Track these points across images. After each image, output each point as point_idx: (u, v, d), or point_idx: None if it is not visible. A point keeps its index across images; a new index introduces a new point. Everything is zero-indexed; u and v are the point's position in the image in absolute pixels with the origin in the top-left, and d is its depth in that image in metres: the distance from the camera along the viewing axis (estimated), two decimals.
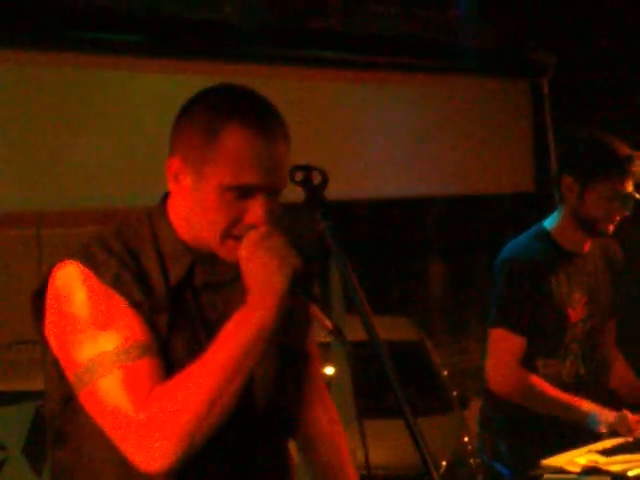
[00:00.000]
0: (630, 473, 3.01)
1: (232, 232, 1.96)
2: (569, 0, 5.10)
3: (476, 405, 6.11)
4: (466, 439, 6.93)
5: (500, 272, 3.67)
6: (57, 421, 2.08)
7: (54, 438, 2.10)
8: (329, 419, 2.37)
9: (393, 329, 7.48)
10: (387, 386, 1.76)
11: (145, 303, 1.96)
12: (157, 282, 2.00)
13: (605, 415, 3.49)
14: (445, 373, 7.82)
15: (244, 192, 1.95)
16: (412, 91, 4.97)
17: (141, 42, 3.94)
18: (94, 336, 1.92)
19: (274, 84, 4.41)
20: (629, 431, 3.43)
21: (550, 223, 3.73)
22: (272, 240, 1.94)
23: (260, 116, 1.98)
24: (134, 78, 3.99)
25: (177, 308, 2.01)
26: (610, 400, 3.80)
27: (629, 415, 3.47)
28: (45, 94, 3.82)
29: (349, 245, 1.97)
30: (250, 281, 1.92)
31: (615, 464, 3.07)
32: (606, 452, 3.20)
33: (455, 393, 7.39)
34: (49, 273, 2.01)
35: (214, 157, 1.95)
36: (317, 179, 1.98)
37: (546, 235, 3.71)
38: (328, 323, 1.95)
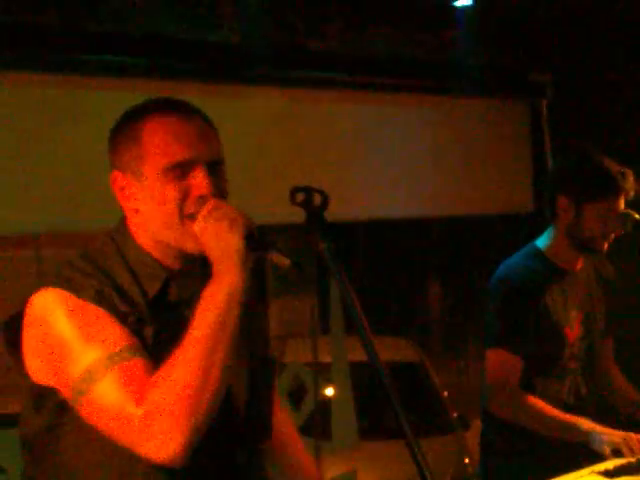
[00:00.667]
0: None
1: (185, 211, 2.05)
2: (567, 21, 5.11)
3: (476, 426, 6.10)
4: (467, 460, 6.91)
5: (495, 293, 3.67)
6: (35, 451, 2.10)
7: (33, 475, 2.12)
8: (286, 418, 2.53)
9: (393, 350, 7.47)
10: (388, 407, 1.76)
11: (130, 315, 2.02)
12: (136, 297, 2.07)
13: (607, 434, 3.47)
14: (445, 394, 7.81)
15: (182, 170, 2.06)
16: (410, 113, 4.97)
17: (140, 64, 3.95)
18: (84, 349, 1.96)
19: (273, 105, 4.42)
20: (632, 452, 3.42)
21: (543, 242, 3.74)
22: (220, 209, 2.02)
23: (169, 103, 2.13)
24: (134, 100, 3.99)
25: (159, 321, 2.06)
26: (614, 419, 3.79)
27: (633, 436, 3.46)
28: (41, 116, 3.83)
29: (348, 266, 1.99)
30: (209, 251, 2.01)
31: None
32: (609, 473, 3.19)
33: (455, 414, 7.37)
34: (23, 304, 2.04)
35: (144, 152, 2.07)
36: (317, 200, 2.00)
37: (540, 254, 3.72)
38: (285, 261, 2.00)
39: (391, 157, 4.70)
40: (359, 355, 2.01)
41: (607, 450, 3.42)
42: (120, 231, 2.17)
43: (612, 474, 3.19)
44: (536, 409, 3.57)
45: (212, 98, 4.20)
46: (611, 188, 3.58)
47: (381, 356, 1.85)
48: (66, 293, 2.00)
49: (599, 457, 3.40)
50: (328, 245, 1.94)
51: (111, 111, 3.91)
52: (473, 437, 6.50)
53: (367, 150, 4.67)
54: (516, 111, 5.33)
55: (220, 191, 2.09)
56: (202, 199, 2.05)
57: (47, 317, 2.00)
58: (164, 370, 1.94)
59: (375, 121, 4.53)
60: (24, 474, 2.17)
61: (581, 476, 3.18)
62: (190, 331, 1.96)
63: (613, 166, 3.62)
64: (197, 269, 2.15)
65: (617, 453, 3.42)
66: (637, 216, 3.48)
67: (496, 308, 3.66)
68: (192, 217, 2.05)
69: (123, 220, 2.18)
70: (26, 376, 2.07)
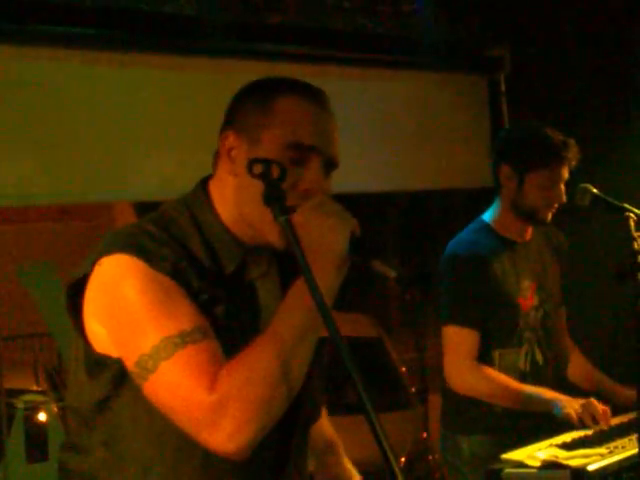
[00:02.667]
0: (590, 467, 3.01)
1: (287, 200, 1.93)
2: None
3: (435, 401, 6.12)
4: (425, 435, 6.96)
5: (446, 268, 3.70)
6: (84, 420, 2.02)
7: (80, 443, 2.05)
8: (325, 416, 2.44)
9: (352, 326, 7.48)
10: (348, 382, 1.74)
11: (203, 293, 1.94)
12: (210, 273, 1.98)
13: (569, 402, 3.49)
14: (404, 370, 7.84)
15: (301, 154, 1.99)
16: (367, 86, 4.95)
17: (94, 35, 3.89)
18: (155, 324, 1.88)
19: (230, 78, 4.37)
20: (594, 420, 3.44)
21: (490, 215, 3.77)
22: (328, 205, 1.95)
23: (312, 87, 2.07)
24: (86, 71, 3.94)
25: (230, 299, 1.99)
26: (570, 389, 3.83)
27: (594, 402, 3.47)
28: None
29: None
30: (308, 244, 1.88)
31: (575, 458, 3.07)
32: (566, 446, 3.21)
33: (414, 389, 7.42)
34: (91, 264, 1.95)
35: (271, 121, 2.00)
36: (276, 173, 1.96)
37: (487, 227, 3.74)
38: (391, 272, 1.91)
39: (349, 131, 4.65)
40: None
41: (572, 415, 3.43)
42: (198, 199, 2.08)
43: (570, 446, 3.21)
44: (496, 382, 3.58)
45: (168, 70, 4.16)
46: (552, 157, 3.60)
47: (340, 332, 1.84)
48: (140, 262, 1.90)
49: (557, 431, 3.42)
50: (286, 218, 1.90)
51: (67, 82, 3.88)
52: (432, 412, 6.54)
53: None
54: (474, 85, 5.33)
55: (327, 194, 2.02)
56: (308, 193, 1.98)
57: (118, 284, 1.91)
58: (242, 358, 1.86)
59: (333, 95, 4.50)
60: (67, 441, 2.08)
61: (539, 449, 3.20)
62: (274, 324, 1.89)
63: (555, 135, 3.63)
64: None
65: (581, 423, 3.44)
66: (595, 190, 3.48)
67: (447, 284, 3.68)
68: (290, 209, 1.92)
69: (202, 187, 2.09)
70: (85, 342, 1.98)
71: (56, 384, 7.01)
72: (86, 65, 3.94)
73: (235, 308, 2.00)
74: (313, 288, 1.80)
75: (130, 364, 1.91)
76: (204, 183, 2.11)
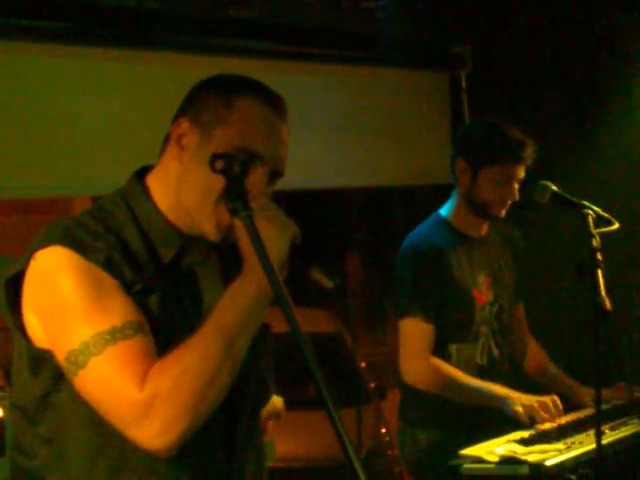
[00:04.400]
0: (548, 463, 3.04)
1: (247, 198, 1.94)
2: None
3: (393, 396, 6.13)
4: (383, 430, 6.98)
5: (402, 262, 3.72)
6: (29, 418, 2.01)
7: (24, 442, 2.03)
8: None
9: (311, 321, 7.49)
10: (308, 378, 1.74)
11: (136, 283, 1.94)
12: (145, 262, 1.98)
13: (520, 399, 3.52)
14: (363, 365, 7.85)
15: (248, 159, 1.99)
16: (330, 82, 4.95)
17: (57, 29, 3.85)
18: (87, 318, 1.88)
19: (192, 73, 4.35)
20: (546, 416, 3.46)
21: (446, 210, 3.80)
22: (271, 210, 1.97)
23: (272, 93, 2.08)
24: (47, 64, 3.91)
25: (166, 288, 1.99)
26: (526, 383, 3.85)
27: (547, 399, 3.49)
28: None
29: None
30: (247, 247, 1.90)
31: (533, 454, 3.10)
32: (524, 442, 3.24)
33: (373, 385, 7.43)
34: (27, 259, 1.95)
35: (227, 118, 2.01)
36: (237, 168, 1.96)
37: (443, 221, 3.77)
38: (328, 283, 1.94)
39: (310, 127, 4.67)
40: (280, 326, 2.00)
41: (521, 412, 3.45)
42: (134, 190, 2.08)
43: (528, 442, 3.24)
44: (448, 376, 3.60)
45: (132, 64, 4.13)
46: (507, 155, 3.63)
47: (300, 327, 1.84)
48: (75, 254, 1.90)
49: (516, 427, 3.44)
50: (247, 214, 1.90)
51: (27, 76, 3.84)
52: (390, 407, 6.55)
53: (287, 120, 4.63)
54: (436, 82, 5.34)
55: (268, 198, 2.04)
56: (250, 196, 1.96)
57: (52, 277, 1.91)
58: (175, 356, 1.87)
59: (295, 91, 4.50)
60: (15, 441, 2.07)
61: (498, 444, 3.22)
62: (209, 322, 1.90)
63: (513, 133, 3.66)
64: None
65: (533, 421, 3.47)
66: (554, 187, 3.51)
67: (402, 278, 3.70)
68: (230, 209, 1.93)
69: (137, 178, 2.10)
70: (24, 337, 1.97)
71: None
72: (46, 58, 3.90)
73: (173, 296, 2.00)
74: (274, 283, 1.80)
75: (60, 358, 1.91)
76: (140, 174, 2.12)
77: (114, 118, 4.08)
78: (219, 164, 1.94)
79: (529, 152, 3.64)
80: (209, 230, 2.02)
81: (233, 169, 1.95)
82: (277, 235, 1.93)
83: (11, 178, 3.86)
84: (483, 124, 3.79)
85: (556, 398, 3.52)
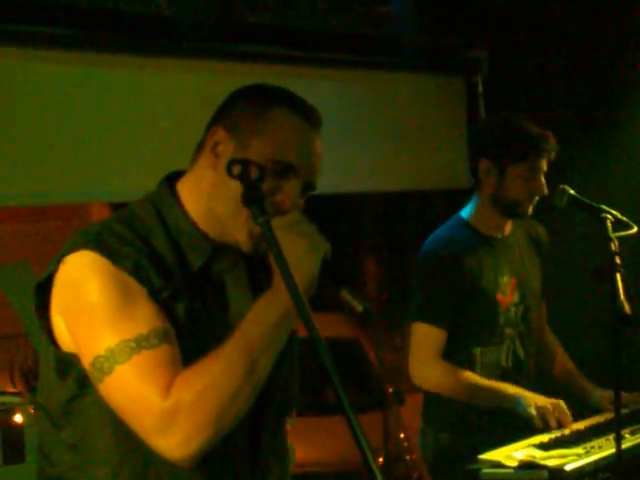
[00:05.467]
0: (567, 467, 3.02)
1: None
2: None
3: (412, 401, 6.11)
4: (402, 435, 6.95)
5: (420, 266, 3.70)
6: (55, 421, 2.01)
7: (49, 447, 2.04)
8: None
9: (329, 326, 7.47)
10: (326, 383, 1.74)
11: (164, 290, 1.94)
12: (174, 269, 1.98)
13: (534, 399, 3.49)
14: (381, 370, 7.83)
15: (282, 171, 2.00)
16: (346, 88, 4.95)
17: (69, 35, 3.86)
18: (114, 325, 1.89)
19: (208, 79, 4.36)
20: (558, 421, 3.43)
21: (467, 212, 3.76)
22: (303, 225, 1.97)
23: (307, 105, 2.08)
24: (63, 72, 3.92)
25: (194, 295, 1.99)
26: (554, 385, 3.83)
27: (562, 404, 3.47)
28: None
29: None
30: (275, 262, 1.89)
31: (552, 458, 3.08)
32: (543, 446, 3.21)
33: (391, 390, 7.41)
34: (56, 263, 1.96)
35: (263, 130, 2.01)
36: (254, 173, 1.96)
37: (464, 224, 3.73)
38: (358, 306, 1.92)
39: (325, 132, 4.67)
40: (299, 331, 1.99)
41: (534, 413, 3.43)
42: (164, 196, 2.08)
43: (547, 446, 3.22)
44: (458, 377, 3.58)
45: (145, 72, 4.14)
46: (532, 149, 3.60)
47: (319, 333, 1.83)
48: (103, 259, 1.91)
49: (536, 431, 3.42)
50: (265, 219, 1.90)
51: (39, 83, 3.85)
52: (409, 412, 6.54)
53: None
54: (452, 87, 5.34)
55: (300, 212, 2.03)
56: (282, 205, 1.99)
57: (80, 281, 1.92)
58: (200, 368, 1.87)
59: (309, 96, 4.50)
60: (40, 445, 2.08)
61: (517, 449, 3.21)
62: (236, 336, 1.90)
63: (533, 127, 3.64)
64: None
65: (546, 423, 3.44)
66: (572, 191, 3.49)
67: (417, 281, 3.69)
68: (251, 215, 1.94)
69: (167, 183, 2.10)
70: (52, 341, 1.98)
71: (32, 385, 6.98)
72: (62, 65, 3.91)
73: (200, 304, 2.00)
74: (292, 287, 1.80)
75: (86, 363, 1.92)
76: (169, 180, 2.11)
77: (130, 125, 4.09)
78: (236, 169, 1.94)
79: (552, 144, 3.62)
80: (242, 239, 2.02)
81: (250, 174, 1.95)
82: (307, 253, 1.92)
83: (26, 185, 3.87)
84: (500, 121, 3.75)
85: (563, 403, 3.49)
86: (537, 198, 3.65)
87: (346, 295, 1.93)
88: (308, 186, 2.06)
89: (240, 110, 2.06)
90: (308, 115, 2.07)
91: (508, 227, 3.78)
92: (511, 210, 3.67)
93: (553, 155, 3.64)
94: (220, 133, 2.04)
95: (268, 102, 2.05)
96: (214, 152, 2.04)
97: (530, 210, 3.67)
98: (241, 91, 2.12)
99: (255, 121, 2.03)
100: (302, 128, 2.05)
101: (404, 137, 5.14)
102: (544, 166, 3.63)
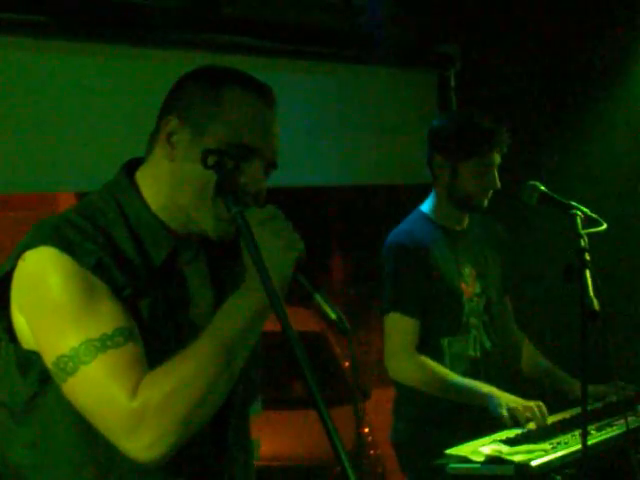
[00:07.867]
0: (533, 463, 3.04)
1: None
2: None
3: (377, 395, 6.12)
4: (366, 430, 6.97)
5: (386, 259, 3.74)
6: (15, 418, 1.96)
7: (6, 443, 1.99)
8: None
9: (295, 320, 7.45)
10: (293, 377, 1.73)
11: (127, 287, 1.90)
12: (136, 264, 1.93)
13: (506, 399, 3.51)
14: (346, 364, 7.84)
15: (243, 154, 1.95)
16: (317, 80, 4.93)
17: (43, 23, 3.81)
18: (77, 324, 1.84)
19: (179, 69, 4.32)
20: (529, 419, 3.45)
21: (427, 206, 3.83)
22: (278, 222, 1.91)
23: (259, 83, 2.03)
24: (36, 60, 3.87)
25: (157, 291, 1.95)
26: (520, 376, 3.85)
27: (532, 404, 3.48)
28: None
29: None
30: (249, 258, 1.86)
31: (518, 454, 3.10)
32: (510, 441, 3.23)
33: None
34: (15, 258, 1.91)
35: (217, 114, 1.96)
36: (230, 163, 1.94)
37: (424, 217, 3.80)
38: (331, 314, 1.88)
39: (296, 124, 4.65)
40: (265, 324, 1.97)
41: (504, 413, 3.44)
42: (124, 187, 2.03)
43: (513, 441, 3.23)
44: (433, 372, 3.60)
45: (122, 60, 4.10)
46: (482, 144, 3.64)
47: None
48: (65, 256, 1.86)
49: (504, 424, 3.43)
50: (240, 210, 1.87)
51: (7, 71, 3.80)
52: (373, 406, 6.55)
53: None
54: (424, 81, 5.33)
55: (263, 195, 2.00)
56: (246, 188, 1.95)
57: (41, 279, 1.87)
58: (168, 368, 1.83)
59: (282, 88, 4.48)
60: (1, 440, 2.02)
61: (483, 444, 3.22)
62: (206, 335, 1.85)
63: (485, 122, 3.67)
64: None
65: (516, 422, 3.46)
66: (542, 188, 3.50)
67: (386, 274, 3.71)
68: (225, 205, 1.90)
69: (126, 174, 2.04)
70: (12, 338, 1.93)
71: None
72: (31, 53, 3.86)
73: (164, 299, 1.96)
74: (267, 281, 1.78)
75: (48, 362, 1.88)
76: (128, 169, 2.06)
77: (98, 114, 4.05)
78: (211, 160, 1.91)
79: (503, 137, 3.67)
80: (209, 227, 1.98)
81: (225, 164, 1.93)
82: (281, 254, 1.87)
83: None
84: (453, 117, 3.83)
85: (542, 404, 3.50)
86: (491, 192, 3.69)
87: (320, 300, 1.89)
88: (270, 165, 2.03)
89: (191, 95, 2.01)
90: (262, 93, 2.02)
91: (466, 220, 3.84)
92: (465, 204, 3.73)
93: (505, 148, 3.67)
94: (173, 122, 2.00)
95: (219, 84, 2.00)
96: (169, 142, 2.00)
97: (485, 203, 3.73)
98: (190, 75, 2.06)
99: (208, 105, 1.98)
100: (258, 107, 2.00)
101: (375, 130, 5.13)
102: (496, 159, 3.68)
